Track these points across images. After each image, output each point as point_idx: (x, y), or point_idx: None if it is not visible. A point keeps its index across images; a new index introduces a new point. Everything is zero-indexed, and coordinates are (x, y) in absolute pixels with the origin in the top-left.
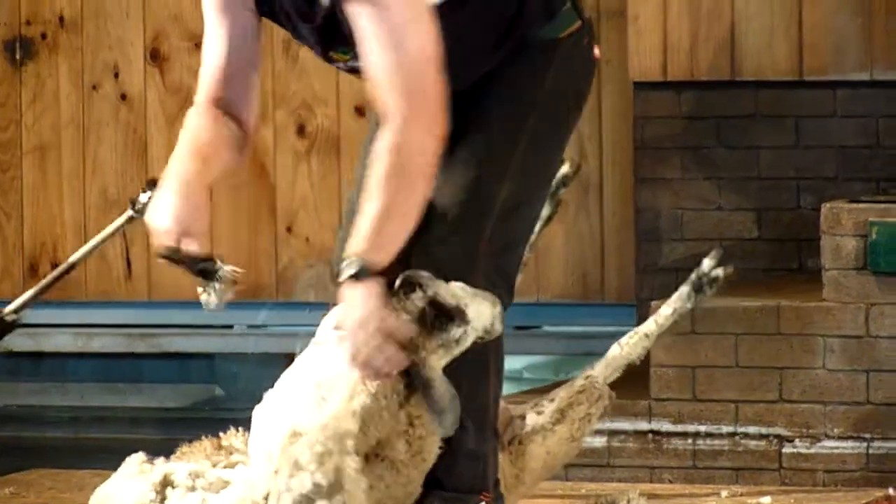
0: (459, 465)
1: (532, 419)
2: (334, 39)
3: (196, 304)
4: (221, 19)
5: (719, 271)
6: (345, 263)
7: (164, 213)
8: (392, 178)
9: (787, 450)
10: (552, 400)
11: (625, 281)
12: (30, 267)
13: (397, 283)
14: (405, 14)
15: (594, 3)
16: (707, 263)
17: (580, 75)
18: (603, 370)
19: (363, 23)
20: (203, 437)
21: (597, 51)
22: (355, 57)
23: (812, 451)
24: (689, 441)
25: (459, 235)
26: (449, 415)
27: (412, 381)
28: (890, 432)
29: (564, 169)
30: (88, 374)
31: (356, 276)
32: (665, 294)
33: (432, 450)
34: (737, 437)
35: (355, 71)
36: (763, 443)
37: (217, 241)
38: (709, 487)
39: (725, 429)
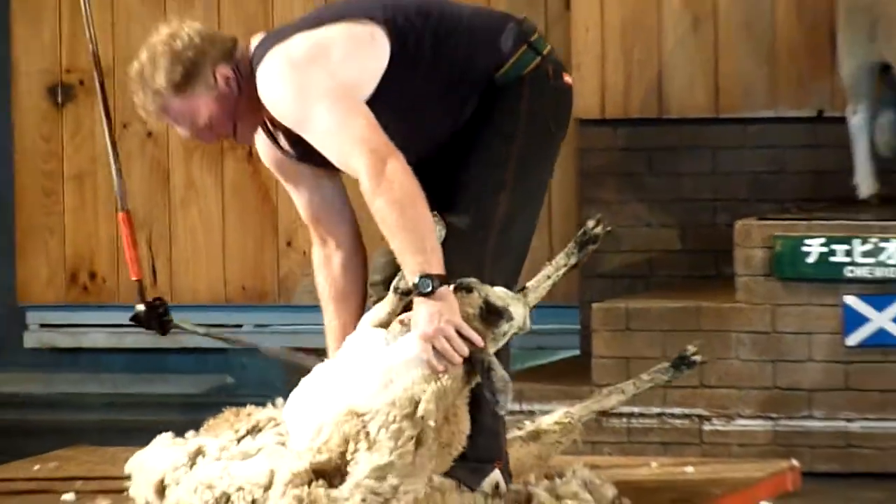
0: (480, 439)
1: (512, 432)
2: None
3: (210, 306)
4: (278, 173)
5: (697, 357)
6: (418, 284)
7: None
8: (392, 206)
9: (706, 427)
10: (532, 422)
11: (570, 286)
12: (70, 276)
13: (452, 287)
14: (336, 113)
15: None
16: (689, 349)
17: (554, 101)
18: (580, 411)
19: (311, 135)
20: (224, 409)
21: (568, 78)
22: None
23: (728, 428)
24: (625, 420)
25: (468, 248)
26: (506, 394)
27: (473, 367)
28: (793, 412)
29: (598, 230)
30: (120, 366)
31: (431, 292)
32: (604, 297)
33: (460, 444)
34: (664, 417)
35: None
36: (687, 422)
37: (228, 256)
38: (641, 459)
39: (655, 410)
